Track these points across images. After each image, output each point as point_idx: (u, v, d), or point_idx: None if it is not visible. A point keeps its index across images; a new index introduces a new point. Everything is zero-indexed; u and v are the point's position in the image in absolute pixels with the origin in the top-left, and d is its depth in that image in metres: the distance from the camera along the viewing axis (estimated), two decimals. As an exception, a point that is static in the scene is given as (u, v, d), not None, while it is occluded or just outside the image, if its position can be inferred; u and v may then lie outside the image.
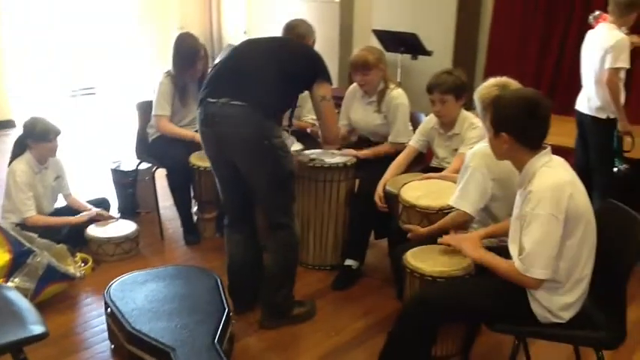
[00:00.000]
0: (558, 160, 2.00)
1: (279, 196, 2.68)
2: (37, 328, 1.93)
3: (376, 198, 3.03)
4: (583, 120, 3.69)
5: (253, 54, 2.71)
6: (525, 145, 1.97)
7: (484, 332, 2.67)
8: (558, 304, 1.96)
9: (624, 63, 3.38)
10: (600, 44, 3.45)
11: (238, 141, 2.55)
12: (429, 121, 3.16)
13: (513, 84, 2.42)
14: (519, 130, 1.95)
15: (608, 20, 3.51)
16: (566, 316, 1.98)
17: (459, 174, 2.51)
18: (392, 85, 3.40)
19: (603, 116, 3.52)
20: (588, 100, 3.61)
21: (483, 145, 2.46)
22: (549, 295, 1.96)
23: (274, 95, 2.59)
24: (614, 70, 3.37)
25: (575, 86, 4.77)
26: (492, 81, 2.46)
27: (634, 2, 3.42)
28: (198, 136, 3.57)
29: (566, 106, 4.92)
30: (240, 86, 2.56)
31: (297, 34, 2.95)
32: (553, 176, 1.92)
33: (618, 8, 3.44)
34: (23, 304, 2.10)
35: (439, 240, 2.31)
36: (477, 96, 2.47)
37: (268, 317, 2.82)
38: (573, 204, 1.89)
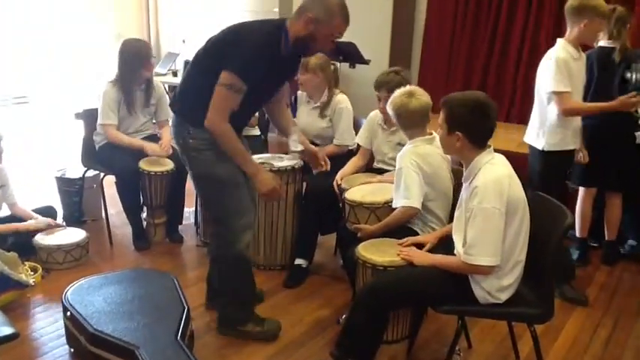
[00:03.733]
0: (499, 158, 2.23)
1: (206, 200, 2.78)
2: (7, 329, 1.96)
3: (334, 184, 3.18)
4: None
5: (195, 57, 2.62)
6: (474, 143, 2.19)
7: (428, 319, 2.89)
8: (496, 286, 2.18)
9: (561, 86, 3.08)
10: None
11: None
12: (372, 117, 3.37)
13: (418, 91, 2.76)
14: (471, 129, 2.17)
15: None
16: (503, 297, 2.20)
17: (395, 177, 2.71)
18: (337, 91, 3.60)
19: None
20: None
21: (409, 147, 2.72)
22: (489, 279, 2.17)
23: (195, 99, 2.52)
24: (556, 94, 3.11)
25: (500, 92, 5.18)
26: (401, 91, 2.78)
27: (584, 5, 3.06)
28: (147, 146, 3.68)
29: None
30: (177, 93, 2.68)
31: (298, 9, 2.50)
32: (494, 172, 2.14)
33: (568, 16, 3.14)
34: (-12, 307, 2.12)
35: (402, 256, 2.40)
36: (391, 105, 2.77)
37: (218, 323, 2.85)
38: (512, 195, 2.12)
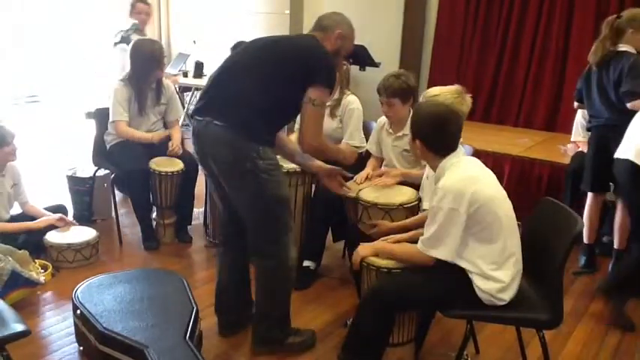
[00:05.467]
0: (467, 159, 2.28)
1: (265, 222, 2.51)
2: (19, 326, 1.98)
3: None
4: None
5: (240, 64, 2.52)
6: (435, 152, 2.27)
7: (436, 323, 2.89)
8: (495, 287, 2.18)
9: None
10: None
11: (219, 162, 2.46)
12: (379, 122, 3.40)
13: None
14: (430, 140, 2.25)
15: None
16: (506, 297, 2.19)
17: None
18: (347, 92, 3.61)
19: None
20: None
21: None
22: (485, 281, 2.18)
23: (259, 114, 2.41)
24: None
25: (509, 96, 5.17)
26: (432, 89, 2.76)
27: None
28: (156, 137, 3.68)
29: (501, 116, 5.30)
30: (221, 104, 2.44)
31: (322, 27, 2.58)
32: (458, 173, 2.19)
33: None
34: (1, 304, 2.13)
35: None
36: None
37: (256, 343, 2.74)
38: (479, 194, 2.13)
